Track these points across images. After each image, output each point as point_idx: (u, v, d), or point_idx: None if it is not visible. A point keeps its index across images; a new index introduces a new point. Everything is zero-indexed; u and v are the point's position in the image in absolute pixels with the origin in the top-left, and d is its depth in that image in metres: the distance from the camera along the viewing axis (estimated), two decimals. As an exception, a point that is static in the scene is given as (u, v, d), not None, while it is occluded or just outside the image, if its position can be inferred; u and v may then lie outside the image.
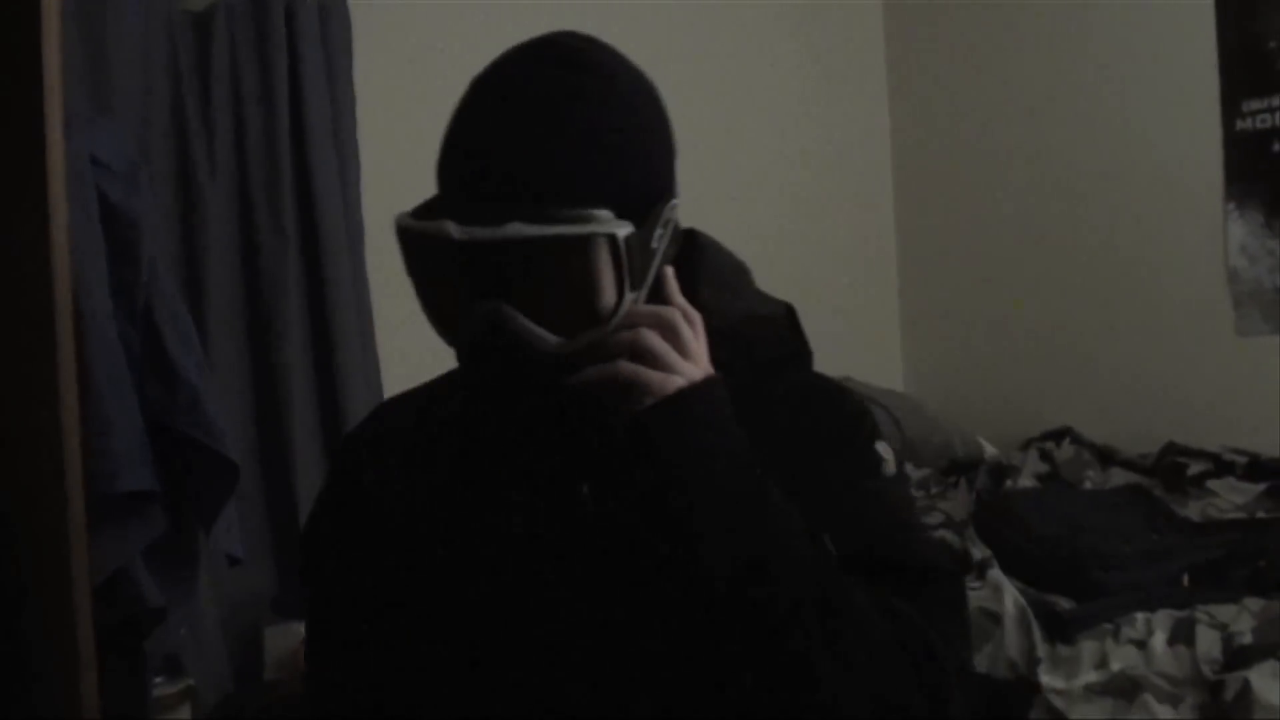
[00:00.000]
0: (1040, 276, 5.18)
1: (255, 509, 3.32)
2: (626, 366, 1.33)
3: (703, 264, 1.55)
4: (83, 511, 2.25)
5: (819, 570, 1.32)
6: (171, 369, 2.62)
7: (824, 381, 1.61)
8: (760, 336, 1.56)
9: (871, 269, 5.67)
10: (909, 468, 4.59)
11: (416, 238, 1.36)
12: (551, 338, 1.33)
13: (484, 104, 1.38)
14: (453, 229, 1.30)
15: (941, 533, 3.76)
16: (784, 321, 1.62)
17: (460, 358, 1.46)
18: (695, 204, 4.65)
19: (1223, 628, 2.86)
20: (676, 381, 1.33)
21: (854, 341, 5.43)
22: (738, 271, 1.63)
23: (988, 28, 5.33)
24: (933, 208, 5.62)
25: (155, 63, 3.25)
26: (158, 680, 2.83)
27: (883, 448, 1.53)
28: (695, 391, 1.33)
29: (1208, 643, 2.80)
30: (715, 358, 1.40)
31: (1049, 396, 5.10)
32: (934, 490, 4.38)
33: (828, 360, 5.02)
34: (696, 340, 1.38)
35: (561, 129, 1.33)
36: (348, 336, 3.51)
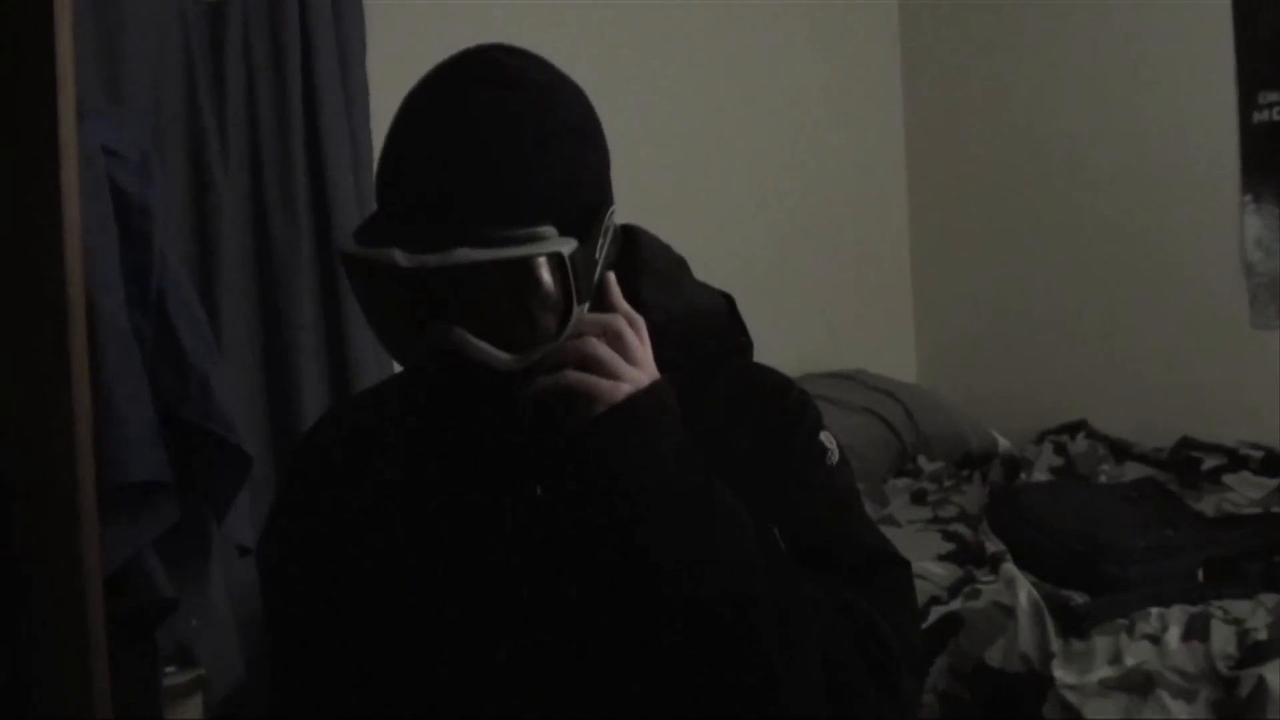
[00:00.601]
0: (1054, 270, 5.16)
1: (267, 499, 3.32)
2: (574, 376, 1.36)
3: (642, 261, 1.58)
4: (94, 501, 2.25)
5: (768, 566, 1.35)
6: (183, 358, 2.62)
7: (767, 373, 1.65)
8: (703, 330, 1.59)
9: (885, 261, 5.66)
10: (922, 460, 4.59)
11: (363, 264, 1.37)
12: (503, 355, 1.34)
13: (421, 127, 1.39)
14: (400, 257, 1.31)
15: (955, 526, 3.76)
16: (725, 313, 1.65)
17: (411, 375, 1.48)
18: (710, 198, 4.67)
19: (1238, 623, 2.86)
20: (624, 389, 1.36)
21: (868, 334, 5.44)
22: (677, 265, 1.65)
23: (1002, 19, 5.31)
24: (946, 200, 5.61)
25: (168, 52, 3.24)
26: (169, 670, 2.83)
27: (825, 437, 1.58)
28: (643, 398, 1.36)
29: (1222, 638, 2.80)
30: (659, 355, 1.43)
31: (1063, 390, 5.08)
32: (947, 483, 4.38)
33: (842, 352, 5.05)
34: (641, 344, 1.41)
35: (502, 150, 1.35)
36: (360, 326, 3.49)
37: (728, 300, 1.68)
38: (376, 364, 3.52)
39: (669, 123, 4.65)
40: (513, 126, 1.36)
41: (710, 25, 4.90)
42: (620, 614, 1.37)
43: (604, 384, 1.35)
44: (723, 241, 4.75)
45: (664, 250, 1.65)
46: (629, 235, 1.61)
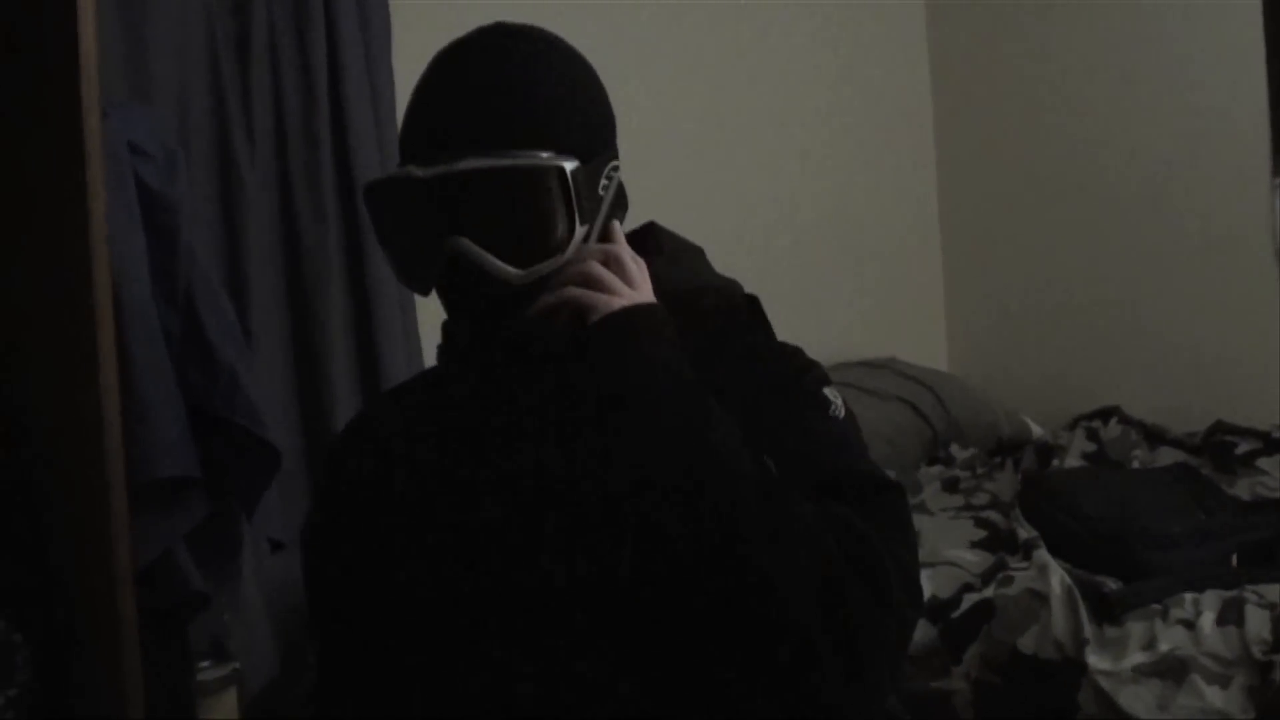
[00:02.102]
0: (1085, 255, 5.14)
1: (297, 492, 3.33)
2: (575, 290, 1.49)
3: (658, 244, 1.67)
4: (125, 498, 2.26)
5: (758, 478, 1.41)
6: (212, 354, 2.63)
7: (775, 341, 1.73)
8: (714, 304, 1.67)
9: (916, 248, 5.65)
10: (954, 448, 4.57)
11: (383, 194, 1.53)
12: (511, 269, 1.46)
13: (438, 72, 1.57)
14: (415, 170, 1.47)
15: (987, 513, 3.74)
16: (739, 295, 1.72)
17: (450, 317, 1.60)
18: (739, 188, 4.66)
19: (1272, 607, 2.84)
20: (620, 302, 1.48)
21: (899, 321, 5.43)
22: (693, 252, 1.74)
23: (1030, 3, 5.28)
24: (976, 187, 5.59)
25: (193, 47, 3.24)
26: (203, 665, 2.84)
27: (831, 392, 1.65)
28: (637, 309, 1.48)
29: (1257, 623, 2.79)
30: None
31: (1096, 375, 5.07)
32: (980, 471, 4.37)
33: (873, 341, 5.05)
34: (641, 276, 1.52)
35: (506, 84, 1.50)
36: (389, 320, 3.51)
37: (740, 286, 1.74)
38: (406, 357, 3.53)
39: (697, 115, 4.64)
40: (517, 68, 1.52)
41: (742, 20, 4.89)
42: (629, 544, 1.44)
43: (601, 297, 1.48)
44: (753, 231, 4.75)
45: (682, 240, 1.74)
46: (650, 229, 1.71)
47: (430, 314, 3.57)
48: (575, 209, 1.47)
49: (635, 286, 1.50)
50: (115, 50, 2.96)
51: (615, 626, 1.47)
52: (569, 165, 1.46)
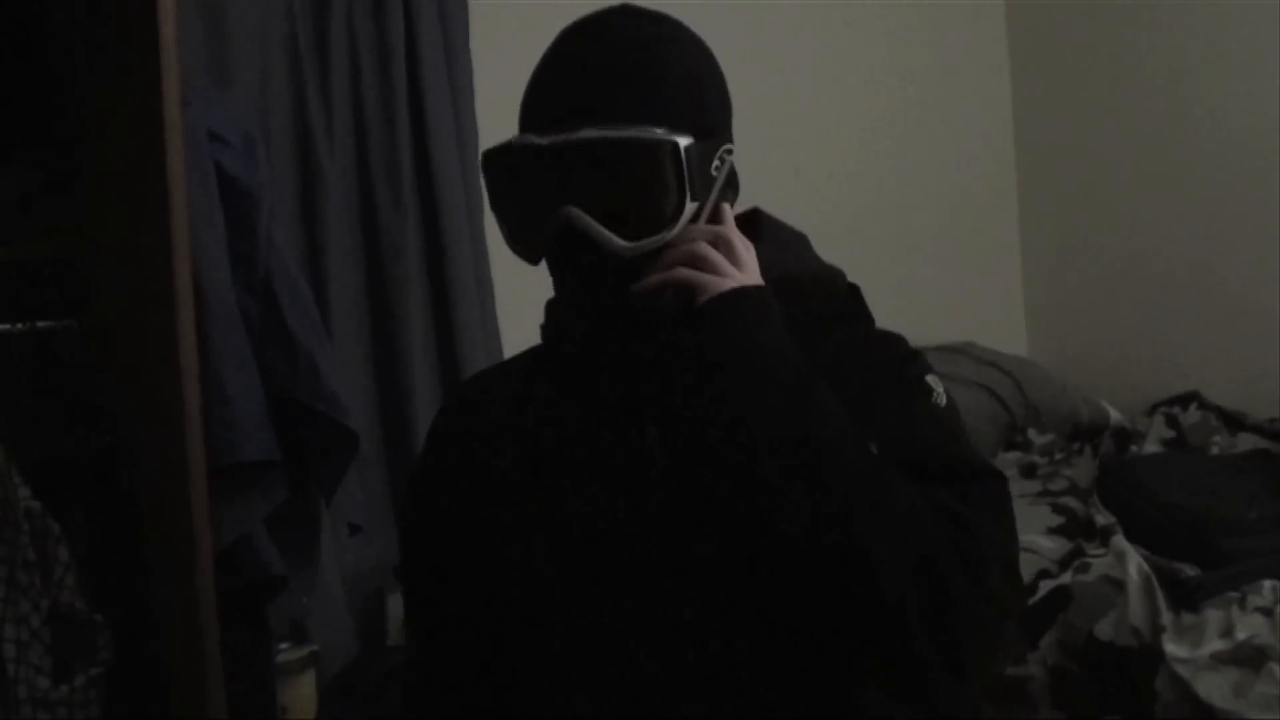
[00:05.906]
0: (1166, 239, 5.08)
1: (376, 477, 3.36)
2: (683, 271, 1.50)
3: (764, 233, 1.67)
4: (205, 481, 2.29)
5: (862, 451, 1.43)
6: (291, 339, 2.65)
7: (881, 331, 1.74)
8: (818, 291, 1.68)
9: (994, 233, 5.60)
10: (1032, 433, 4.55)
11: (500, 161, 1.55)
12: (618, 241, 1.47)
13: (562, 47, 1.58)
14: (533, 138, 1.50)
15: (1065, 499, 3.72)
16: (842, 283, 1.73)
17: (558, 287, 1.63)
18: (815, 170, 4.63)
19: (1352, 596, 2.82)
20: (729, 283, 1.49)
21: (977, 306, 5.38)
22: (796, 238, 1.75)
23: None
24: (1055, 168, 5.53)
25: (274, 38, 3.27)
26: (282, 646, 2.87)
27: (933, 379, 1.65)
28: (744, 292, 1.49)
29: (1336, 611, 2.76)
30: None
31: (1175, 360, 5.00)
32: (1058, 456, 4.33)
33: (950, 325, 5.00)
34: (749, 259, 1.53)
35: (625, 60, 1.52)
36: (467, 306, 3.53)
37: (844, 275, 1.75)
38: (484, 344, 3.55)
39: (773, 100, 4.63)
40: (641, 46, 1.54)
41: (819, 6, 4.88)
42: (729, 525, 1.45)
43: (710, 278, 1.49)
44: (829, 214, 4.73)
45: (785, 226, 1.75)
46: (754, 215, 1.71)
47: (507, 299, 3.60)
48: (686, 185, 1.48)
49: (743, 269, 1.51)
50: (196, 39, 3.00)
51: (715, 605, 1.49)
52: (683, 141, 1.47)
